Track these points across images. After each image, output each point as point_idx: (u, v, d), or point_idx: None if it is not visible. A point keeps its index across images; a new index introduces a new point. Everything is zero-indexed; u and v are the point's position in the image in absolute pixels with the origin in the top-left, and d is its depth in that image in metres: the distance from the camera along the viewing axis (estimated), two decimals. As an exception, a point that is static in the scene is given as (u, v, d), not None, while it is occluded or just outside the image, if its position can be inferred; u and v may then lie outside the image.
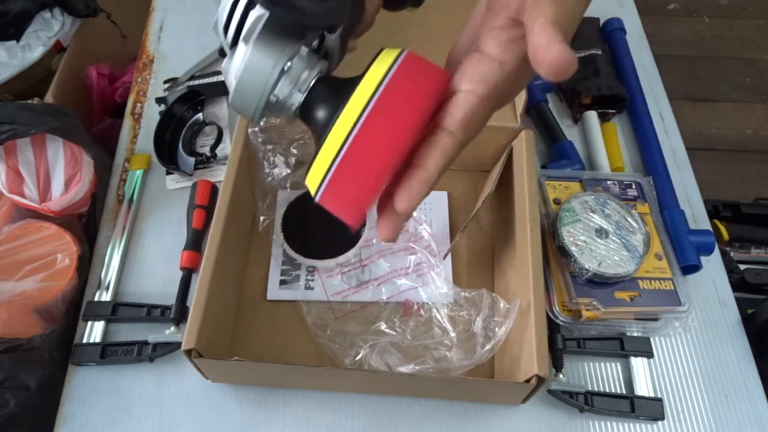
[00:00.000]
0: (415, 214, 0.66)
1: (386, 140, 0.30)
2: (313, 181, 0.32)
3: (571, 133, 0.75)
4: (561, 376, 0.57)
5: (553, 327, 0.59)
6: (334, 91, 0.32)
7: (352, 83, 0.31)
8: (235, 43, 0.34)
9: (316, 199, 0.33)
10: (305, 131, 0.65)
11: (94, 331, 0.61)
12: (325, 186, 0.32)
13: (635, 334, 0.60)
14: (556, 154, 0.72)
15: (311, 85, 0.33)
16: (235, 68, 0.33)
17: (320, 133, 0.32)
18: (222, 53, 0.35)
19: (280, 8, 0.31)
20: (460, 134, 0.31)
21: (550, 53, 0.27)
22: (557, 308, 0.59)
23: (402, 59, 0.31)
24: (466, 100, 0.31)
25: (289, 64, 0.32)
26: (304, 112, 0.33)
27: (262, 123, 0.35)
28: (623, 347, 0.59)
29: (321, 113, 0.33)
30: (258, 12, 0.32)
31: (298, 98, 0.33)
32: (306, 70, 0.33)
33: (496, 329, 0.54)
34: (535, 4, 0.29)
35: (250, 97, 0.33)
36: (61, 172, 0.67)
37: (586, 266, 0.58)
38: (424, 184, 0.32)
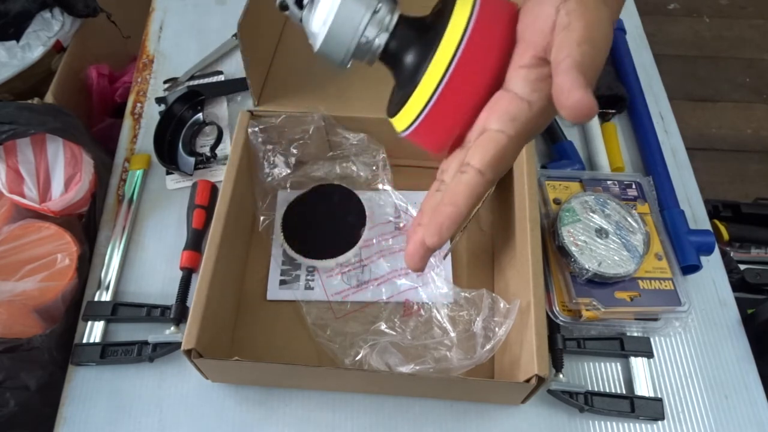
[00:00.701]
0: (414, 213, 0.66)
1: (475, 80, 0.32)
2: (405, 117, 0.34)
3: (571, 133, 0.75)
4: (561, 376, 0.57)
5: (553, 327, 0.59)
6: (417, 32, 0.35)
7: (434, 23, 0.33)
8: (302, 1, 0.35)
9: (408, 132, 0.35)
10: (305, 131, 0.65)
11: (94, 331, 0.61)
12: (421, 119, 0.34)
13: (635, 334, 0.60)
14: (556, 154, 0.72)
15: (395, 25, 0.35)
16: (322, 16, 0.34)
17: (410, 72, 0.34)
18: (283, 6, 0.36)
19: None
20: (490, 174, 0.32)
21: (572, 98, 0.28)
22: (557, 308, 0.59)
23: (479, 3, 0.33)
24: (497, 140, 0.32)
25: (379, 5, 0.34)
26: (388, 53, 0.35)
27: (349, 65, 0.36)
28: (623, 347, 0.59)
29: (408, 54, 0.35)
30: None
31: (383, 39, 0.35)
32: (389, 12, 0.35)
33: (496, 329, 0.54)
34: (562, 45, 0.30)
35: (343, 42, 0.34)
36: (61, 172, 0.67)
37: (586, 266, 0.58)
38: (453, 222, 0.32)
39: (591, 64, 0.29)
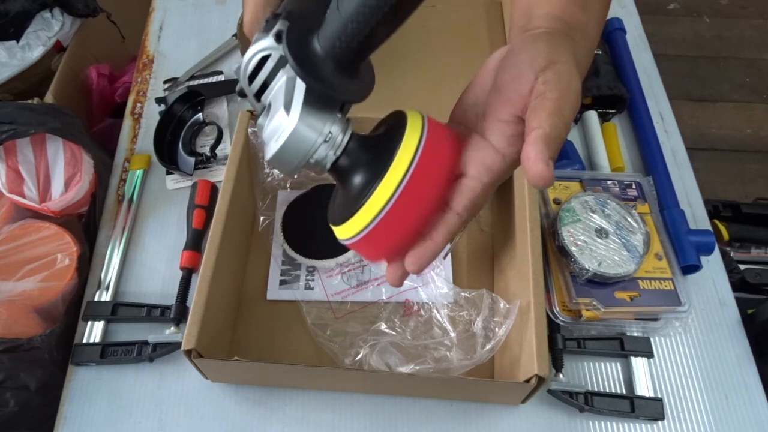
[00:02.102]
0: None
1: (417, 208, 0.35)
2: (347, 230, 0.37)
3: (571, 133, 0.75)
4: (561, 376, 0.57)
5: (553, 327, 0.59)
6: (367, 152, 0.37)
7: (382, 146, 0.36)
8: (260, 93, 0.36)
9: (349, 243, 0.38)
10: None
11: (94, 331, 0.61)
12: (363, 236, 0.36)
13: (635, 334, 0.60)
14: (556, 154, 0.72)
15: (346, 144, 0.37)
16: (276, 132, 0.35)
17: (357, 190, 0.36)
18: (242, 94, 0.38)
19: (319, 83, 0.34)
20: (465, 215, 0.37)
21: (534, 168, 0.32)
22: (557, 308, 0.59)
23: (427, 131, 0.35)
24: (472, 186, 0.36)
25: (330, 133, 0.36)
26: (337, 168, 0.37)
27: (295, 176, 0.38)
28: (623, 347, 0.59)
29: (357, 173, 0.37)
30: (288, 73, 0.35)
31: (332, 158, 0.37)
32: (340, 134, 0.36)
33: (496, 329, 0.54)
34: (536, 112, 0.33)
35: (292, 161, 0.36)
36: (61, 172, 0.67)
37: (586, 266, 0.58)
38: (432, 253, 0.37)
39: (557, 137, 0.33)
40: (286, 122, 0.35)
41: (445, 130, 0.37)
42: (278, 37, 0.34)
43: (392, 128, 0.37)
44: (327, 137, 0.35)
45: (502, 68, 0.37)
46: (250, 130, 0.62)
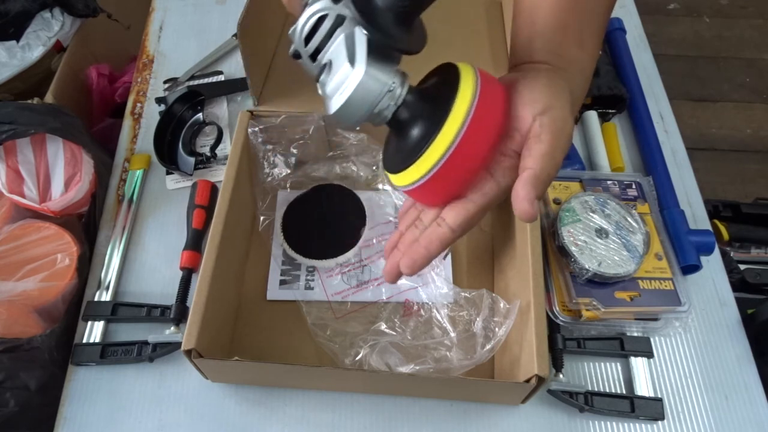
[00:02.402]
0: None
1: (473, 154, 0.37)
2: (407, 177, 0.39)
3: (571, 133, 0.75)
4: (561, 376, 0.57)
5: (553, 327, 0.59)
6: (425, 104, 0.38)
7: (439, 97, 0.38)
8: (316, 54, 0.38)
9: (409, 189, 0.40)
10: (305, 131, 0.65)
11: (94, 331, 0.61)
12: (423, 182, 0.38)
13: (635, 334, 0.60)
14: (556, 154, 0.72)
15: (404, 97, 0.38)
16: (340, 85, 0.36)
17: (416, 139, 0.38)
18: (296, 56, 0.39)
19: (382, 36, 0.36)
20: (459, 231, 0.41)
21: (520, 206, 0.36)
22: (557, 308, 0.59)
23: (480, 83, 0.37)
24: (468, 208, 0.40)
25: (393, 83, 0.37)
26: (396, 120, 0.39)
27: (357, 128, 0.40)
28: (623, 347, 0.59)
29: (416, 124, 0.38)
30: (347, 30, 0.36)
31: (393, 108, 0.38)
32: (400, 86, 0.38)
33: (496, 329, 0.54)
34: (530, 152, 0.37)
35: (357, 112, 0.37)
36: (61, 172, 0.67)
37: (586, 266, 0.58)
38: (426, 261, 0.42)
39: (546, 177, 0.37)
40: (352, 75, 0.36)
41: (495, 82, 0.39)
42: None
43: (446, 80, 0.39)
44: (391, 87, 0.37)
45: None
46: (250, 130, 0.62)
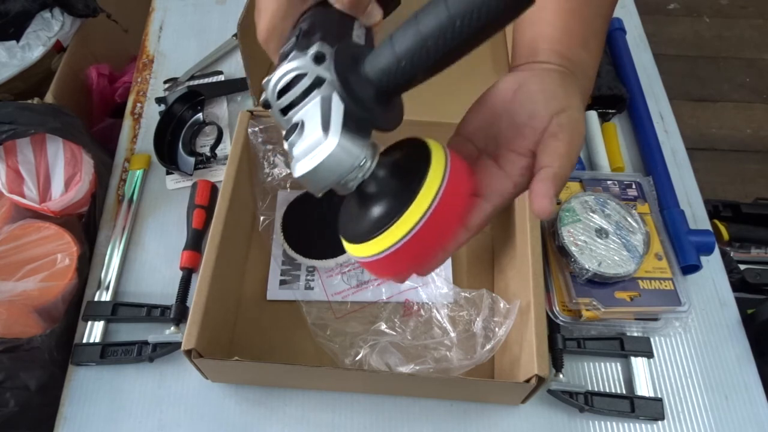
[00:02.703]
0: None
1: (440, 233, 0.37)
2: (369, 248, 0.38)
3: (571, 133, 0.75)
4: (561, 376, 0.57)
5: (553, 327, 0.59)
6: (393, 177, 0.38)
7: (408, 172, 0.37)
8: (287, 109, 0.37)
9: (364, 261, 0.39)
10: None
11: (94, 331, 0.61)
12: (384, 256, 0.37)
13: (635, 334, 0.60)
14: (556, 154, 0.72)
15: (372, 169, 0.37)
16: (310, 151, 0.35)
17: (380, 213, 0.37)
18: (266, 106, 0.38)
19: (361, 109, 0.35)
20: (474, 231, 0.41)
21: (538, 203, 0.36)
22: (557, 308, 0.59)
23: (450, 164, 0.37)
24: (485, 208, 0.40)
25: (363, 160, 0.36)
26: (361, 191, 0.38)
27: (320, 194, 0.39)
28: (623, 347, 0.59)
29: (381, 197, 0.38)
30: (323, 93, 0.35)
31: (358, 181, 0.37)
32: (370, 160, 0.37)
33: (496, 329, 0.54)
34: (548, 152, 0.37)
35: (322, 181, 0.36)
36: (61, 172, 0.67)
37: (586, 266, 0.58)
38: (441, 262, 0.41)
39: (564, 175, 0.37)
40: (325, 144, 0.35)
41: (465, 165, 0.39)
42: (317, 59, 0.35)
43: (415, 155, 0.38)
44: (361, 162, 0.36)
45: (518, 103, 0.40)
46: (250, 130, 0.62)
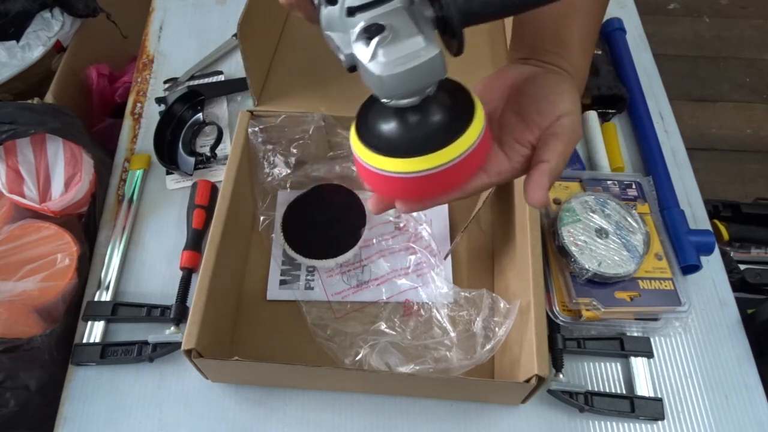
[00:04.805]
0: (415, 213, 0.66)
1: (468, 171, 0.40)
2: (424, 162, 0.38)
3: (571, 133, 0.75)
4: (561, 376, 0.57)
5: (553, 327, 0.59)
6: (450, 102, 0.39)
7: (460, 105, 0.39)
8: (357, 11, 0.36)
9: (437, 170, 0.39)
10: (305, 131, 0.65)
11: (94, 331, 0.61)
12: (455, 163, 0.38)
13: (635, 334, 0.60)
14: (556, 154, 0.72)
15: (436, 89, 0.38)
16: (406, 53, 0.35)
17: (438, 128, 0.39)
18: (332, 1, 0.37)
19: (447, 27, 0.36)
20: (468, 194, 0.44)
21: (534, 194, 0.40)
22: (557, 308, 0.59)
23: (486, 118, 0.40)
24: (483, 180, 0.43)
25: (445, 72, 0.37)
26: (424, 102, 0.38)
27: (388, 101, 0.39)
28: (623, 347, 0.59)
29: (439, 114, 0.39)
30: (404, 3, 0.36)
31: (429, 93, 0.38)
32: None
33: (496, 329, 0.54)
34: (547, 148, 0.41)
35: (411, 82, 0.36)
36: (61, 172, 0.67)
37: (586, 266, 0.58)
38: (424, 207, 0.45)
39: (559, 172, 0.42)
40: (425, 47, 0.35)
41: (489, 131, 0.42)
42: None
43: (462, 93, 0.40)
44: (444, 75, 0.37)
45: (526, 97, 0.43)
46: (250, 130, 0.62)
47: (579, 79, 0.46)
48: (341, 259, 0.63)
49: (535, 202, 0.41)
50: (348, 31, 0.37)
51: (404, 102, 0.38)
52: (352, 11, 0.36)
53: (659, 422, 0.57)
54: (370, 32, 0.36)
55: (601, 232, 0.61)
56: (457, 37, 0.37)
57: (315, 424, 0.56)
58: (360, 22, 0.36)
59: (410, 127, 0.39)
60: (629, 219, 0.62)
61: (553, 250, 0.61)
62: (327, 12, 0.37)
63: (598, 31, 0.49)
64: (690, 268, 0.63)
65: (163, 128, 0.74)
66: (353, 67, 0.37)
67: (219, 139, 0.74)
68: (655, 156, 0.72)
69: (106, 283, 0.64)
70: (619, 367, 0.60)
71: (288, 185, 0.67)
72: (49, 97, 0.78)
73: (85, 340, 0.60)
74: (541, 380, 0.47)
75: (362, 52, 0.36)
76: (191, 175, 0.71)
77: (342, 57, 0.37)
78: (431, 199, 0.43)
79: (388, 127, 0.40)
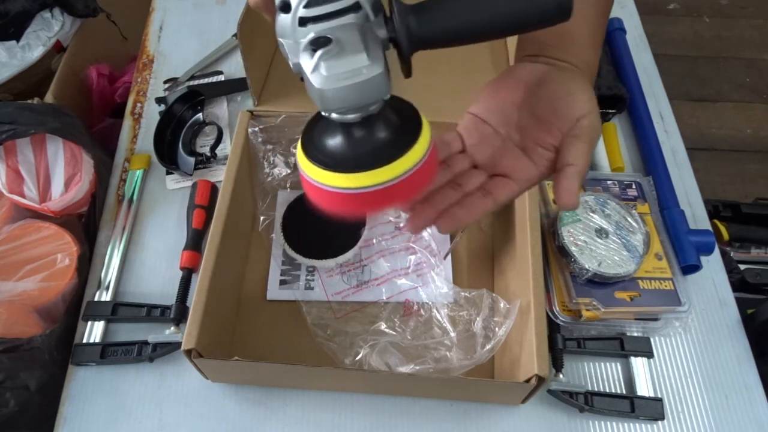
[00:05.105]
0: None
1: (404, 195, 0.39)
2: (368, 178, 0.38)
3: (571, 133, 0.75)
4: (561, 376, 0.57)
5: (553, 327, 0.59)
6: (397, 121, 0.39)
7: (406, 123, 0.39)
8: (308, 22, 0.37)
9: (384, 185, 0.39)
10: (305, 131, 0.65)
11: (94, 331, 0.61)
12: (399, 181, 0.38)
13: (635, 334, 0.60)
14: (556, 154, 0.72)
15: (381, 107, 0.38)
16: (349, 68, 0.35)
17: (383, 145, 0.39)
18: (286, 7, 0.37)
19: (398, 47, 0.36)
20: (498, 207, 0.44)
21: (566, 198, 0.41)
22: (557, 308, 0.59)
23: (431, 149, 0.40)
24: (514, 190, 0.43)
25: (389, 94, 0.37)
26: (368, 121, 0.38)
27: (331, 115, 0.38)
28: (623, 347, 0.59)
29: (386, 134, 0.39)
30: (359, 20, 0.36)
31: (372, 111, 0.38)
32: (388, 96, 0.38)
33: (496, 329, 0.54)
34: (571, 150, 0.41)
35: (352, 98, 0.36)
36: (61, 172, 0.67)
37: (586, 266, 0.58)
38: (462, 225, 0.44)
39: (585, 173, 0.42)
40: (369, 65, 0.35)
41: (436, 154, 0.41)
42: None
43: (410, 112, 0.40)
44: (387, 96, 0.37)
45: (541, 99, 0.42)
46: (250, 130, 0.62)
47: (589, 74, 0.46)
48: (341, 259, 0.63)
49: (568, 205, 0.41)
50: (297, 41, 0.37)
51: (348, 117, 0.38)
52: (303, 21, 0.36)
53: (659, 422, 0.57)
54: (316, 44, 0.36)
55: (601, 232, 0.61)
56: (405, 61, 0.37)
57: (315, 424, 0.56)
58: (310, 33, 0.36)
59: (353, 143, 0.39)
60: (629, 219, 0.62)
61: (553, 250, 0.61)
62: (281, 19, 0.37)
63: (605, 25, 0.49)
64: (690, 268, 0.63)
65: (163, 128, 0.74)
66: (301, 77, 0.38)
67: (219, 139, 0.74)
68: (655, 156, 0.72)
69: (106, 283, 0.64)
70: (619, 367, 0.60)
71: (288, 185, 0.67)
72: (49, 97, 0.78)
73: (85, 340, 0.60)
74: (541, 380, 0.47)
75: (306, 63, 0.36)
76: (191, 175, 0.71)
77: (291, 65, 0.38)
78: (374, 213, 0.43)
79: (333, 142, 0.40)
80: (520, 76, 0.44)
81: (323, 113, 0.38)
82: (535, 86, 0.43)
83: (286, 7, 0.37)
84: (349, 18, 0.36)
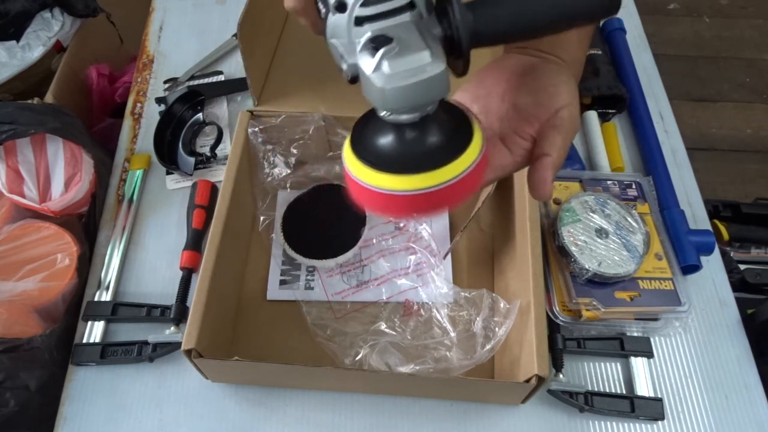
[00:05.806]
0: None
1: (452, 199, 0.39)
2: (433, 177, 0.38)
3: (571, 133, 0.75)
4: (561, 376, 0.57)
5: (553, 327, 0.59)
6: (450, 123, 0.39)
7: (458, 126, 0.39)
8: (365, 21, 0.36)
9: (435, 189, 0.38)
10: (305, 131, 0.65)
11: (94, 331, 0.61)
12: (452, 183, 0.38)
13: (635, 334, 0.60)
14: (556, 154, 0.72)
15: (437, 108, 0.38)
16: (411, 67, 0.35)
17: (440, 151, 0.38)
18: (342, 7, 0.37)
19: (454, 46, 0.36)
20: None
21: (540, 189, 0.41)
22: (557, 308, 0.59)
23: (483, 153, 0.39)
24: (487, 176, 0.44)
25: (448, 91, 0.37)
26: (423, 120, 0.38)
27: (386, 114, 0.38)
28: (623, 347, 0.59)
29: (438, 135, 0.38)
30: (415, 17, 0.36)
31: (430, 111, 0.37)
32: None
33: (496, 329, 0.54)
34: (548, 140, 0.41)
35: (414, 96, 0.36)
36: (61, 172, 0.67)
37: (586, 266, 0.58)
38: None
39: (560, 164, 0.42)
40: (431, 63, 0.35)
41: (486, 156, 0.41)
42: None
43: (461, 116, 0.40)
44: (447, 94, 0.37)
45: (525, 89, 0.43)
46: (250, 130, 0.62)
47: (576, 70, 0.46)
48: (341, 259, 0.63)
49: (541, 195, 0.42)
50: (354, 41, 0.36)
51: (404, 118, 0.37)
52: (360, 21, 0.36)
53: (659, 422, 0.57)
54: (376, 43, 0.35)
55: (601, 232, 0.61)
56: (463, 57, 0.37)
57: (315, 424, 0.56)
58: (367, 32, 0.36)
59: (409, 144, 0.38)
60: (629, 219, 0.62)
61: (553, 250, 0.61)
62: (334, 19, 0.37)
63: (594, 25, 0.49)
64: (690, 268, 0.63)
65: (163, 128, 0.74)
66: (355, 78, 0.37)
67: (219, 139, 0.74)
68: (655, 156, 0.72)
69: (106, 283, 0.64)
70: (619, 367, 0.60)
71: (288, 185, 0.67)
72: (49, 97, 0.78)
73: (85, 340, 0.60)
74: (541, 380, 0.47)
75: (366, 62, 0.36)
76: (191, 175, 0.71)
77: (344, 66, 0.37)
78: (448, 206, 0.42)
79: (386, 142, 0.39)
80: (506, 66, 0.45)
81: (380, 113, 0.37)
82: (520, 76, 0.43)
83: (341, 7, 0.36)
84: (405, 16, 0.36)
